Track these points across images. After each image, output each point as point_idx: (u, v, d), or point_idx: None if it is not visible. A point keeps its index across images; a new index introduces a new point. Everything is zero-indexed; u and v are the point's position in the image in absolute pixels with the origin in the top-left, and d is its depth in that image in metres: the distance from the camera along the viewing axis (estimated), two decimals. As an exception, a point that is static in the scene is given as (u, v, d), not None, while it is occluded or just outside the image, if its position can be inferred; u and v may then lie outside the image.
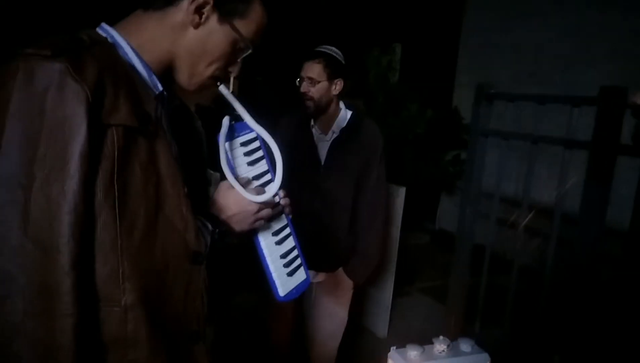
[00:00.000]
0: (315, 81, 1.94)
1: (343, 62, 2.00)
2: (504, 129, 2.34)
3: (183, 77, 0.92)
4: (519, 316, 2.33)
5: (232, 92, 1.02)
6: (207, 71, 0.92)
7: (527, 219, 2.24)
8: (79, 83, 0.71)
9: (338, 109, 2.04)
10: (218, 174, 1.06)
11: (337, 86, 1.97)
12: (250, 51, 0.95)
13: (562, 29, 4.11)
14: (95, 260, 0.76)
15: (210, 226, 0.93)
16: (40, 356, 0.71)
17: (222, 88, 0.98)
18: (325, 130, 2.03)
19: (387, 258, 3.11)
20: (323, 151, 1.99)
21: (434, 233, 5.11)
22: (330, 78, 1.95)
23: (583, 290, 1.92)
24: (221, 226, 0.96)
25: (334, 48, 2.02)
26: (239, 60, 0.96)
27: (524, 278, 2.35)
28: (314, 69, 1.93)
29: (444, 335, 1.13)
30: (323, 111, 1.99)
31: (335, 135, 2.00)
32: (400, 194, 3.03)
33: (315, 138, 2.02)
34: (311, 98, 1.95)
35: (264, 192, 1.03)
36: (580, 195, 1.93)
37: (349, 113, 2.05)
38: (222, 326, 1.14)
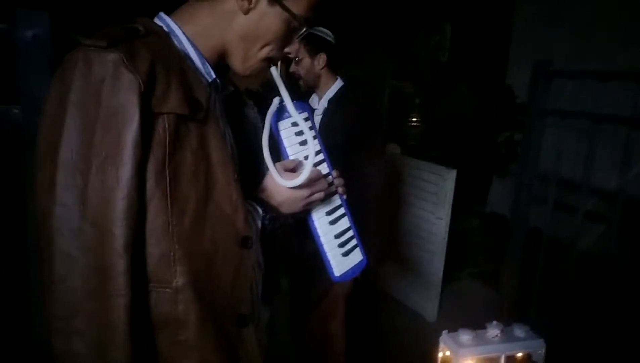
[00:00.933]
0: (298, 59, 2.01)
1: (327, 37, 2.03)
2: (562, 108, 2.23)
3: (237, 62, 0.93)
4: (578, 304, 2.25)
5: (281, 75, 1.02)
6: (260, 54, 0.92)
7: (588, 205, 2.13)
8: (132, 73, 0.74)
9: (330, 84, 2.06)
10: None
11: (321, 61, 2.01)
12: (305, 30, 0.94)
13: (623, 0, 3.84)
14: (148, 243, 0.79)
15: (260, 211, 0.94)
16: (98, 333, 0.75)
17: (272, 69, 0.98)
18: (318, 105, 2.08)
19: (436, 242, 3.08)
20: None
21: (484, 217, 4.97)
22: (311, 54, 2.00)
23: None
24: (271, 211, 0.97)
25: (320, 28, 2.05)
26: (296, 39, 0.95)
27: (584, 265, 2.26)
28: (294, 48, 1.97)
29: (496, 320, 1.11)
30: (313, 87, 2.06)
31: (324, 108, 2.02)
32: (450, 177, 2.98)
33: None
34: (299, 77, 2.03)
35: (297, 177, 1.00)
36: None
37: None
38: (277, 307, 1.16)
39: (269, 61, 0.95)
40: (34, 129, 0.81)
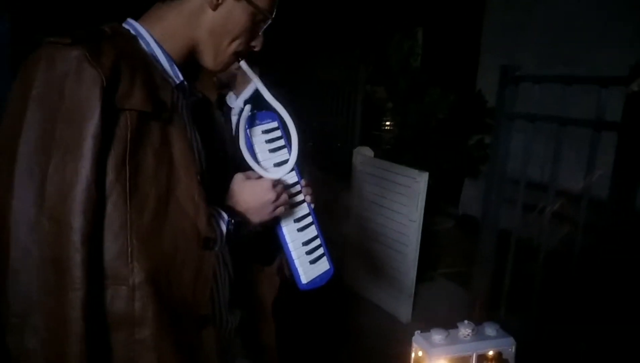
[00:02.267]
0: None
1: None
2: (530, 112, 2.29)
3: (208, 58, 0.94)
4: (546, 302, 2.30)
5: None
6: (230, 48, 0.93)
7: (555, 206, 2.19)
8: (94, 68, 0.74)
9: (247, 84, 1.96)
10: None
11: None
12: (269, 22, 0.96)
13: (589, 6, 3.97)
14: (105, 238, 0.78)
15: (225, 216, 0.94)
16: (54, 328, 0.75)
17: (242, 64, 0.99)
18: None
19: (409, 243, 3.10)
20: None
21: (457, 218, 5.06)
22: None
23: (611, 277, 1.88)
24: (238, 217, 0.97)
25: None
26: (260, 33, 0.97)
27: (551, 265, 2.31)
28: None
29: (467, 320, 1.13)
30: (228, 85, 2.02)
31: (239, 108, 2.00)
32: (422, 179, 3.01)
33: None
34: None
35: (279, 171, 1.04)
36: (609, 180, 1.88)
37: None
38: (251, 312, 1.15)
39: (238, 55, 0.97)
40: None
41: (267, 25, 0.97)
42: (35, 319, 0.74)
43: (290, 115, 1.04)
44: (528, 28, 4.49)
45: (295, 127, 1.04)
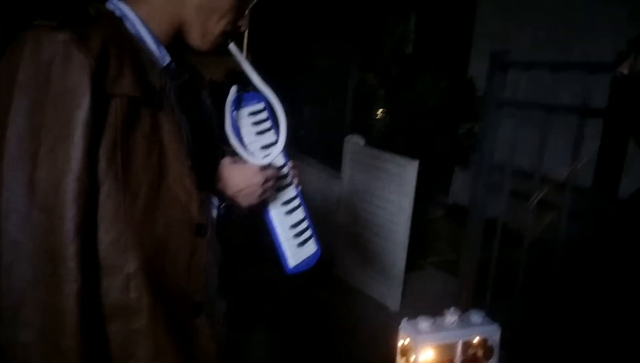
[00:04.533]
0: None
1: None
2: (518, 99, 2.28)
3: (196, 37, 0.91)
4: (531, 289, 2.33)
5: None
6: (217, 27, 0.91)
7: (540, 193, 2.20)
8: (83, 53, 0.72)
9: None
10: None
11: None
12: (255, 1, 0.95)
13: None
14: (99, 228, 0.77)
15: (216, 201, 0.93)
16: (47, 321, 0.73)
17: (231, 46, 0.97)
18: None
19: (399, 231, 3.11)
20: None
21: (448, 207, 5.08)
22: None
23: (594, 263, 1.90)
24: (227, 201, 0.96)
25: None
26: (246, 13, 0.96)
27: (538, 252, 2.33)
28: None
29: (454, 307, 1.13)
30: None
31: None
32: (412, 168, 3.01)
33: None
34: None
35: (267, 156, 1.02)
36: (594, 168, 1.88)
37: None
38: (240, 299, 1.15)
39: (226, 35, 0.94)
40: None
41: (253, 3, 0.95)
42: (28, 312, 0.73)
43: (278, 97, 1.03)
44: (521, 14, 4.49)
45: (283, 110, 1.02)
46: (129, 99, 0.77)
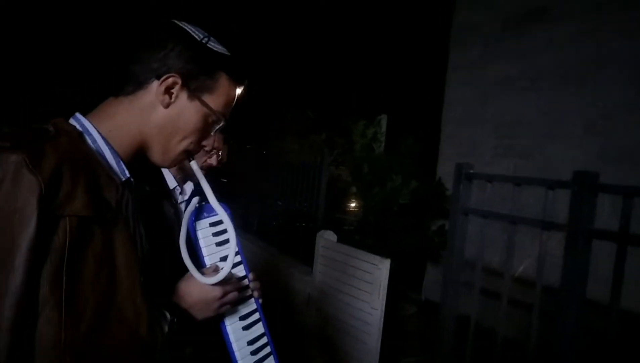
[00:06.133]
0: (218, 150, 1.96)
1: None
2: (483, 208, 2.38)
3: (156, 154, 0.93)
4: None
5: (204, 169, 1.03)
6: (179, 146, 0.93)
7: (508, 291, 2.23)
8: (33, 174, 0.72)
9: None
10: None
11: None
12: (223, 124, 0.97)
13: (540, 105, 4.29)
14: (36, 355, 0.73)
15: (168, 316, 0.90)
16: None
17: (193, 164, 0.99)
18: None
19: (371, 332, 3.04)
20: None
21: (420, 304, 5.03)
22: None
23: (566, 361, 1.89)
24: (182, 314, 0.94)
25: None
26: (212, 133, 0.98)
27: (511, 350, 2.30)
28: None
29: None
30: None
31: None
32: (384, 267, 3.01)
33: None
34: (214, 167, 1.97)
35: (217, 273, 1.00)
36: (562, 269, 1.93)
37: None
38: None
39: (188, 154, 0.97)
40: None
41: (220, 126, 0.97)
42: None
43: (231, 217, 1.04)
44: (484, 123, 4.78)
45: (234, 230, 1.03)
46: (80, 219, 0.76)
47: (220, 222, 1.09)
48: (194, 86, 0.91)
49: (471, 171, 2.38)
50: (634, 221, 1.79)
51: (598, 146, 3.77)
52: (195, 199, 1.05)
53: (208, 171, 1.91)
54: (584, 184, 1.87)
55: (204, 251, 1.04)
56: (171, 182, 1.91)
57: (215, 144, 1.98)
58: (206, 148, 1.97)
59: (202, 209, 1.07)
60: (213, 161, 1.96)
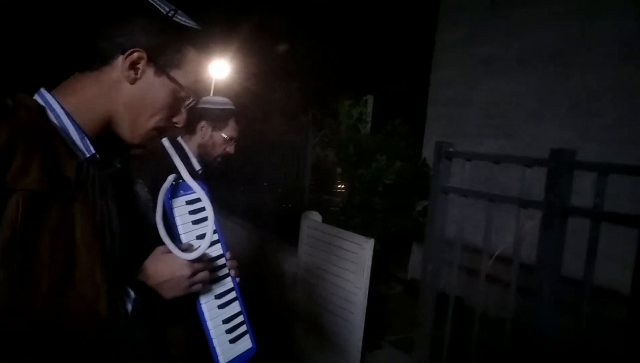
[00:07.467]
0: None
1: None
2: (463, 186, 2.40)
3: (125, 131, 0.92)
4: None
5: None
6: (149, 123, 0.92)
7: (486, 269, 2.27)
8: None
9: None
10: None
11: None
12: (192, 100, 0.95)
13: (526, 85, 4.30)
14: None
15: (132, 294, 0.89)
16: None
17: (164, 141, 0.99)
18: None
19: (355, 311, 3.08)
20: None
21: (406, 283, 5.09)
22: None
23: (544, 337, 1.93)
24: (149, 292, 0.92)
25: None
26: (183, 109, 0.96)
27: (490, 326, 2.34)
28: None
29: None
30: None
31: None
32: (368, 246, 3.04)
33: None
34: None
35: (194, 249, 0.99)
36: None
37: None
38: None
39: (158, 130, 0.95)
40: None
41: (190, 102, 0.95)
42: None
43: (209, 195, 1.04)
44: (470, 103, 4.79)
45: (212, 206, 1.03)
46: (33, 193, 0.75)
47: (197, 200, 1.07)
48: (161, 61, 0.89)
49: (450, 150, 2.39)
50: (619, 198, 1.81)
51: (583, 125, 3.80)
52: (170, 177, 1.04)
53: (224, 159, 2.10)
54: (560, 161, 1.89)
55: (180, 229, 1.04)
56: (196, 165, 1.96)
57: (235, 135, 2.10)
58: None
59: (179, 187, 1.05)
60: (231, 149, 2.11)
